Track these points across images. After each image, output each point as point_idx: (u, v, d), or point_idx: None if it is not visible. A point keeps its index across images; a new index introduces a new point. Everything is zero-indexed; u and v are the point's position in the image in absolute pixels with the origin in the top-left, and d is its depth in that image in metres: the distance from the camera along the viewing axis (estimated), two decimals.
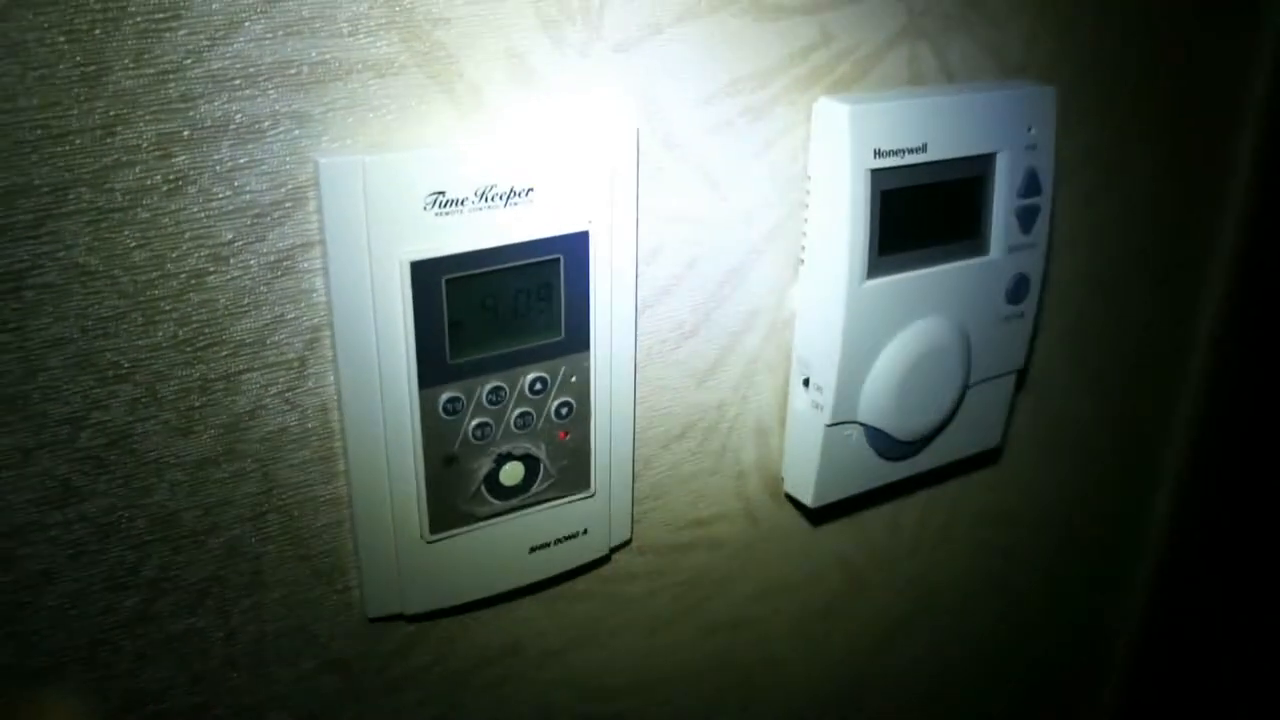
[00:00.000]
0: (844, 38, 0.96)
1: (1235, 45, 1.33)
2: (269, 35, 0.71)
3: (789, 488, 1.09)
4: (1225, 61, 1.32)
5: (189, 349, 0.76)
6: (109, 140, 0.69)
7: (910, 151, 0.95)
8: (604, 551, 0.99)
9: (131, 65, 0.68)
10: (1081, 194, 1.24)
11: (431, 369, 0.82)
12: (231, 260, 0.75)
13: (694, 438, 1.03)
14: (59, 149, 0.67)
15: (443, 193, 0.78)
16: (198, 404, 0.78)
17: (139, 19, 0.67)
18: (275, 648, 0.89)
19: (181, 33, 0.69)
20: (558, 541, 0.94)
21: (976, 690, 1.55)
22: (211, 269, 0.75)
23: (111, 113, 0.68)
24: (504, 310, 0.83)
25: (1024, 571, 1.49)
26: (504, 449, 0.87)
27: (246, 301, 0.77)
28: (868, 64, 0.98)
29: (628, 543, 1.03)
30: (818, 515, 1.17)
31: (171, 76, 0.69)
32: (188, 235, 0.73)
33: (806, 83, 0.95)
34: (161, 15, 0.68)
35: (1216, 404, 1.53)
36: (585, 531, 0.96)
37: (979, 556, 1.40)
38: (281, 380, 0.80)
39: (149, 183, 0.71)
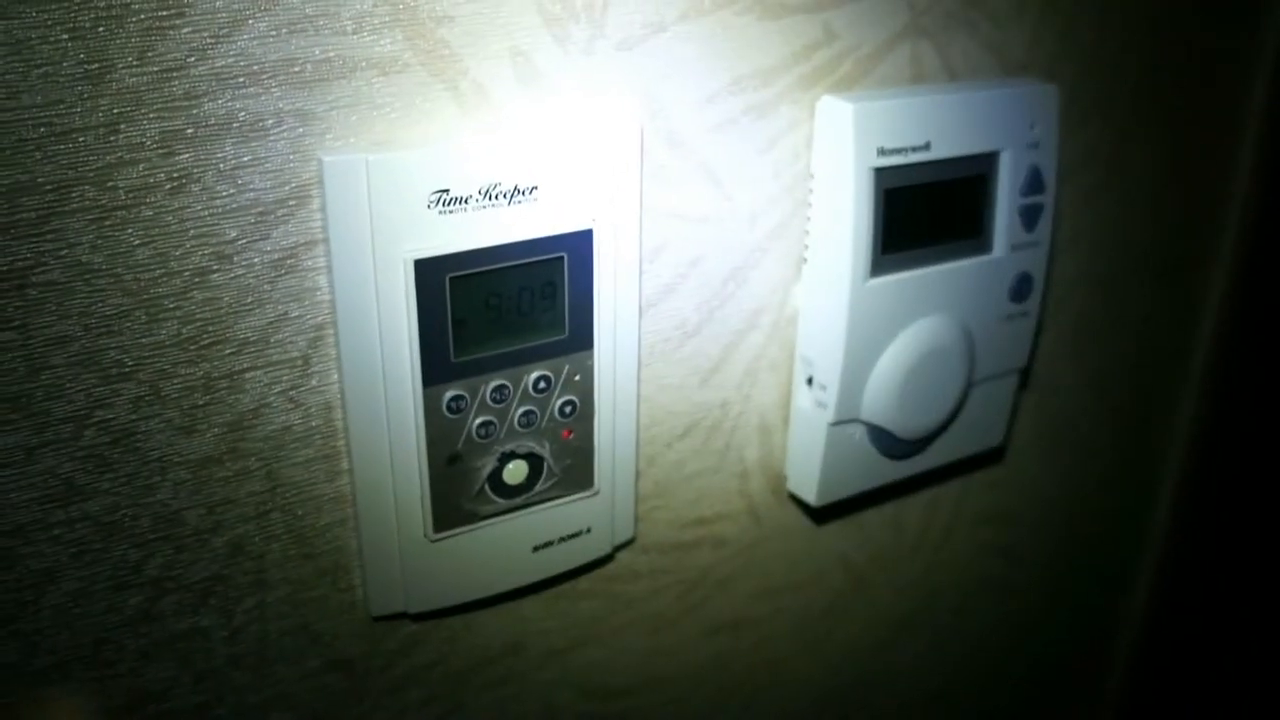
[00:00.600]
0: (847, 36, 0.96)
1: (1236, 45, 1.33)
2: (272, 33, 0.71)
3: (792, 487, 1.09)
4: (1227, 61, 1.32)
5: (192, 347, 0.76)
6: (112, 138, 0.69)
7: (914, 150, 0.95)
8: (607, 550, 0.99)
9: (135, 63, 0.68)
10: (1083, 193, 1.24)
11: (435, 367, 0.82)
12: (235, 258, 0.75)
13: (697, 436, 1.03)
14: (62, 147, 0.67)
15: (446, 191, 0.78)
16: (201, 402, 0.78)
17: (143, 16, 0.67)
18: (279, 647, 0.89)
19: (185, 30, 0.69)
20: (561, 540, 0.94)
21: (979, 689, 1.55)
22: (215, 267, 0.75)
23: (115, 110, 0.68)
24: (508, 308, 0.83)
25: (1026, 571, 1.49)
26: (508, 447, 0.87)
27: (250, 300, 0.77)
28: (870, 63, 0.98)
29: (631, 541, 1.03)
30: (820, 514, 1.17)
31: (175, 74, 0.69)
32: (191, 233, 0.73)
33: (810, 81, 0.95)
34: (165, 13, 0.68)
35: (1218, 402, 1.53)
36: (588, 530, 0.96)
37: (981, 556, 1.40)
38: (285, 379, 0.80)
39: (152, 180, 0.71)
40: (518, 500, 0.90)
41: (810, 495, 1.06)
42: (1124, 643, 1.74)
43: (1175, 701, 1.71)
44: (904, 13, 0.98)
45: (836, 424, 1.02)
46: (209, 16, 0.69)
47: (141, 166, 0.70)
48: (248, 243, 0.75)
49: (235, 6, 0.70)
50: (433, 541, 0.88)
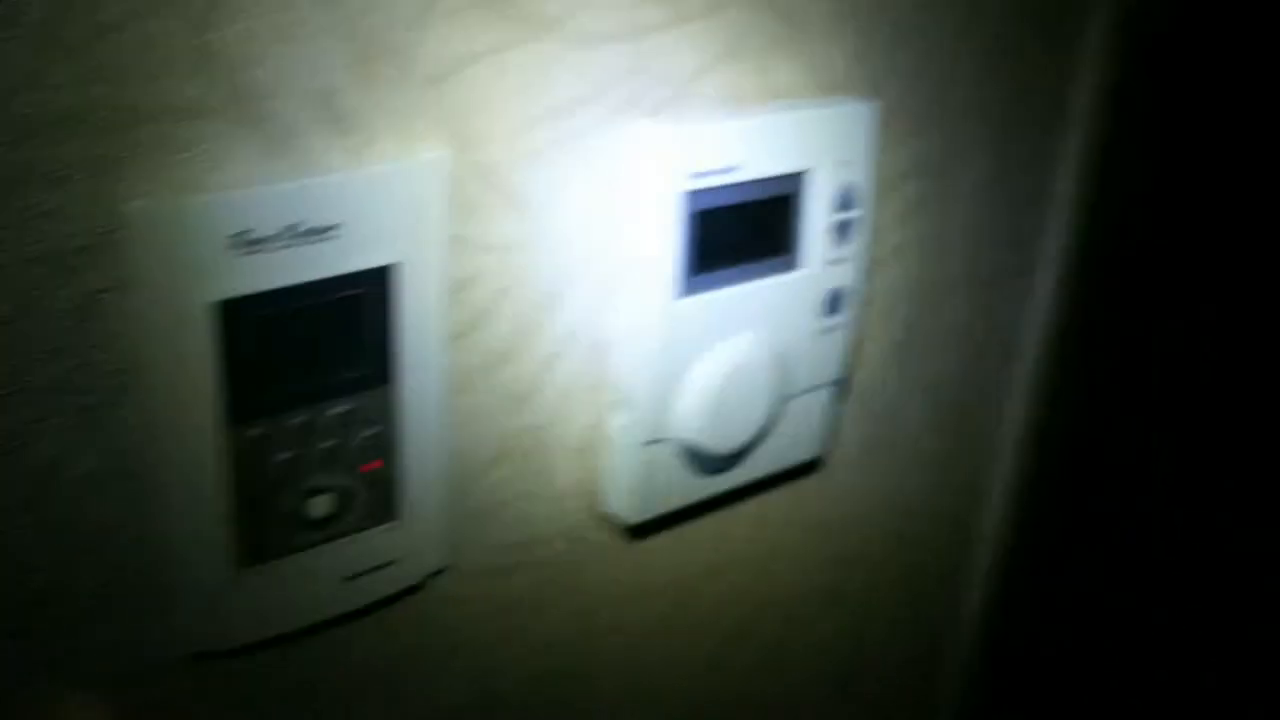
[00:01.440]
0: (662, 62, 0.97)
1: (1061, 56, 1.35)
2: (73, 81, 0.71)
3: (609, 506, 1.11)
4: (1051, 71, 1.35)
5: None
6: None
7: (723, 171, 0.98)
8: (418, 579, 1.00)
9: None
10: (909, 205, 1.26)
11: (239, 407, 0.82)
12: (34, 308, 0.75)
13: (513, 462, 1.04)
14: None
15: (248, 231, 0.78)
16: None
17: None
18: (96, 689, 0.88)
19: None
20: (371, 570, 0.95)
21: (817, 700, 1.57)
22: (15, 317, 0.74)
23: None
24: (311, 346, 0.84)
25: (857, 578, 1.50)
26: (313, 483, 0.88)
27: (51, 348, 0.76)
28: (686, 88, 0.99)
29: (446, 569, 1.04)
30: (640, 532, 1.19)
31: None
32: None
33: (622, 108, 0.96)
34: None
35: (1045, 409, 1.56)
36: (397, 560, 0.97)
37: (810, 566, 1.42)
38: (86, 426, 0.80)
39: None
40: (325, 534, 0.91)
41: (627, 514, 1.08)
42: (960, 645, 1.77)
43: (1012, 701, 1.74)
44: (723, 38, 0.99)
45: (649, 443, 1.04)
46: (6, 64, 0.69)
47: None
48: (49, 291, 0.75)
49: (34, 56, 0.69)
50: (243, 577, 0.88)
